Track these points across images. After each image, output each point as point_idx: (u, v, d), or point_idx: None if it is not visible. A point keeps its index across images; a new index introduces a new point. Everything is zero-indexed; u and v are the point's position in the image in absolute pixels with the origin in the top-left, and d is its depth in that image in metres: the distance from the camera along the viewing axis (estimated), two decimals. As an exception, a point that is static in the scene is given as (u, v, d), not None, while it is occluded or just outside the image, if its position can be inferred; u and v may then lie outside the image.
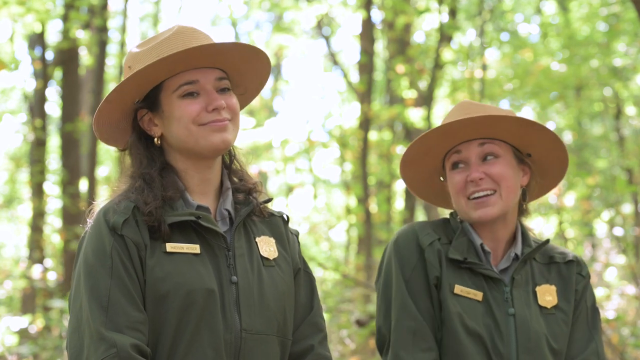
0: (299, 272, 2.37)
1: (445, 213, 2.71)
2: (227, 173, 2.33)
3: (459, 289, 2.48)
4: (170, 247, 2.15)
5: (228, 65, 2.26)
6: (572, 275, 2.61)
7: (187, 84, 2.20)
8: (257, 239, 2.29)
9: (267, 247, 2.29)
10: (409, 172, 2.66)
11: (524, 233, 2.62)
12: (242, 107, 2.35)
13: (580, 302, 2.60)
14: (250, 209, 2.28)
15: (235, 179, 2.34)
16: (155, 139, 2.25)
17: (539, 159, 2.61)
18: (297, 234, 2.44)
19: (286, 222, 2.41)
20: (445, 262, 2.51)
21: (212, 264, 2.18)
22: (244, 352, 2.16)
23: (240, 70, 2.30)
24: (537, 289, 2.55)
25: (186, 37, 2.21)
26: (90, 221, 2.22)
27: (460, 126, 2.47)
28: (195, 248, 2.17)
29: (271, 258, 2.28)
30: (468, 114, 2.51)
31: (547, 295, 2.55)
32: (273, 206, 2.43)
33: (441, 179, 2.65)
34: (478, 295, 2.48)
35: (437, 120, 12.78)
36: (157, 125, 2.24)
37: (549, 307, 2.54)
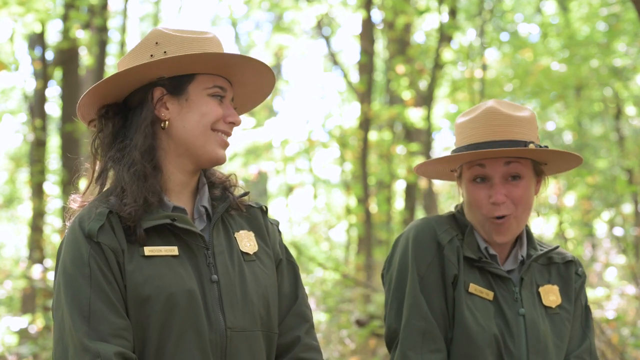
0: (280, 262, 2.35)
1: (445, 211, 2.71)
2: (202, 171, 2.33)
3: (473, 287, 2.47)
4: (148, 250, 2.13)
5: (238, 91, 2.33)
6: (572, 275, 2.62)
7: (220, 88, 2.24)
8: (236, 234, 2.28)
9: (246, 241, 2.28)
10: (425, 169, 2.66)
11: (529, 235, 2.62)
12: None
13: (577, 301, 2.62)
14: (227, 204, 2.28)
15: (210, 174, 2.34)
16: (163, 123, 2.21)
17: (552, 168, 2.62)
18: (277, 224, 2.43)
19: (265, 212, 2.40)
20: (463, 260, 2.49)
21: (192, 265, 2.17)
22: (230, 351, 2.15)
23: (240, 97, 2.37)
24: (540, 289, 2.55)
25: (220, 46, 2.28)
26: (67, 227, 2.20)
27: (491, 153, 2.45)
28: (173, 250, 2.15)
29: (251, 252, 2.27)
30: (496, 126, 2.47)
31: (551, 295, 2.55)
32: (270, 204, 2.42)
33: (450, 170, 2.63)
34: (490, 295, 2.47)
35: (438, 119, 12.79)
36: (168, 109, 2.22)
37: (553, 306, 2.54)
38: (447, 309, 2.46)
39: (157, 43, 2.21)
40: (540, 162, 2.56)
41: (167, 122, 2.21)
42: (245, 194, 2.35)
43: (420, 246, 2.50)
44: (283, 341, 2.30)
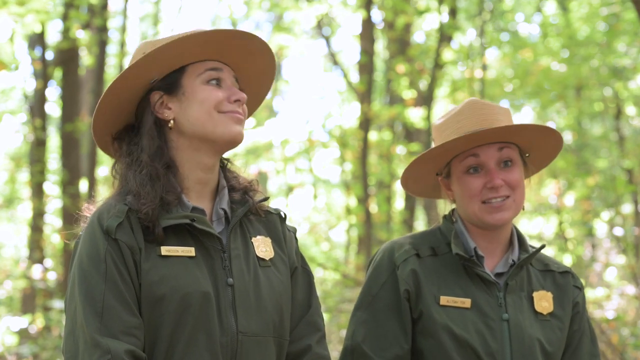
0: (296, 270, 2.35)
1: (445, 212, 2.70)
2: (222, 172, 2.32)
3: (445, 299, 2.47)
4: (165, 250, 2.13)
5: (241, 74, 2.30)
6: (568, 286, 2.62)
7: (213, 70, 2.22)
8: (253, 239, 2.27)
9: (263, 247, 2.28)
10: (417, 169, 2.62)
11: (520, 237, 2.61)
12: None
13: (583, 316, 2.61)
14: (246, 208, 2.27)
15: (231, 178, 2.33)
16: (170, 122, 2.21)
17: (533, 159, 2.63)
18: (294, 231, 2.43)
19: (283, 219, 2.39)
20: (426, 275, 2.50)
21: (208, 267, 2.17)
22: (240, 355, 2.15)
23: (247, 83, 2.33)
24: (534, 294, 2.55)
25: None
26: (84, 223, 2.21)
27: (491, 133, 2.46)
28: (190, 251, 2.15)
29: (267, 258, 2.27)
30: (484, 115, 2.50)
31: (544, 301, 2.55)
32: (271, 204, 2.42)
33: (436, 174, 2.62)
34: (466, 303, 2.47)
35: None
36: (170, 109, 2.22)
37: (544, 313, 2.54)
38: (403, 326, 2.48)
39: (144, 53, 2.22)
40: (523, 152, 2.58)
41: (172, 122, 2.22)
42: (265, 199, 2.34)
43: (377, 269, 2.56)
44: (293, 349, 2.29)
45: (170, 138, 2.23)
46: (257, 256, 2.26)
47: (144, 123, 2.23)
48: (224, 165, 2.35)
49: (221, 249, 2.20)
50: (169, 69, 2.22)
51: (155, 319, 2.10)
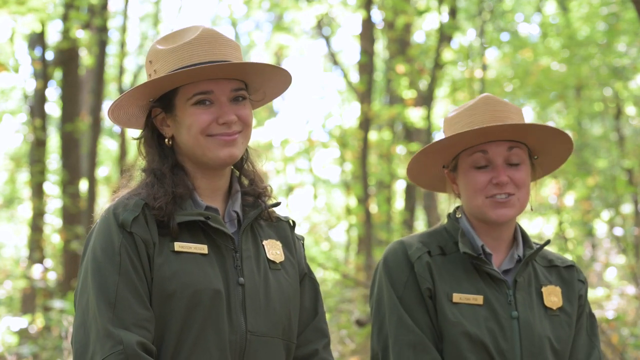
0: (304, 277, 2.38)
1: (445, 214, 2.69)
2: (237, 175, 2.34)
3: (457, 297, 2.47)
4: (178, 246, 2.16)
5: (247, 78, 2.28)
6: (574, 280, 2.62)
7: (201, 94, 2.20)
8: (264, 242, 2.30)
9: (273, 250, 2.31)
10: (424, 159, 2.61)
11: (524, 234, 2.62)
12: (254, 108, 2.35)
13: (583, 309, 2.61)
14: (258, 212, 2.29)
15: (246, 182, 2.35)
16: (167, 140, 2.26)
17: (542, 162, 2.63)
18: (303, 240, 2.45)
19: (292, 227, 2.42)
20: (438, 273, 2.50)
21: (219, 265, 2.19)
22: (248, 354, 2.17)
23: (260, 80, 2.32)
24: (543, 289, 2.55)
25: (209, 45, 2.22)
26: (101, 214, 2.22)
27: (501, 130, 2.46)
28: (203, 248, 2.18)
29: (277, 261, 2.30)
30: (497, 112, 2.50)
31: (553, 296, 2.55)
32: (279, 211, 2.43)
33: (443, 167, 2.62)
34: (478, 300, 2.47)
35: (438, 119, 12.82)
36: (169, 126, 2.25)
37: (554, 308, 2.54)
38: (432, 322, 2.48)
39: (150, 62, 2.25)
40: (533, 153, 2.57)
41: (170, 140, 2.26)
42: (277, 204, 2.36)
43: (393, 269, 2.53)
44: (300, 353, 2.32)
45: (174, 147, 2.28)
46: (267, 258, 2.28)
47: (147, 135, 2.28)
48: (240, 167, 2.36)
49: (233, 248, 2.22)
50: (163, 90, 2.23)
51: (165, 314, 2.12)
